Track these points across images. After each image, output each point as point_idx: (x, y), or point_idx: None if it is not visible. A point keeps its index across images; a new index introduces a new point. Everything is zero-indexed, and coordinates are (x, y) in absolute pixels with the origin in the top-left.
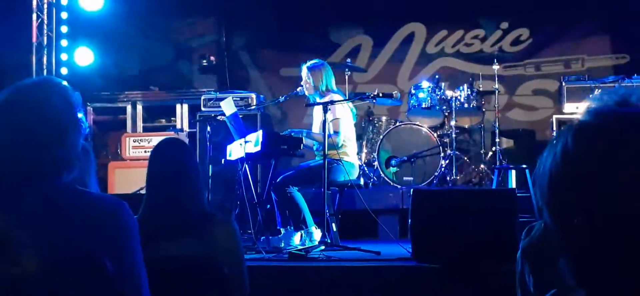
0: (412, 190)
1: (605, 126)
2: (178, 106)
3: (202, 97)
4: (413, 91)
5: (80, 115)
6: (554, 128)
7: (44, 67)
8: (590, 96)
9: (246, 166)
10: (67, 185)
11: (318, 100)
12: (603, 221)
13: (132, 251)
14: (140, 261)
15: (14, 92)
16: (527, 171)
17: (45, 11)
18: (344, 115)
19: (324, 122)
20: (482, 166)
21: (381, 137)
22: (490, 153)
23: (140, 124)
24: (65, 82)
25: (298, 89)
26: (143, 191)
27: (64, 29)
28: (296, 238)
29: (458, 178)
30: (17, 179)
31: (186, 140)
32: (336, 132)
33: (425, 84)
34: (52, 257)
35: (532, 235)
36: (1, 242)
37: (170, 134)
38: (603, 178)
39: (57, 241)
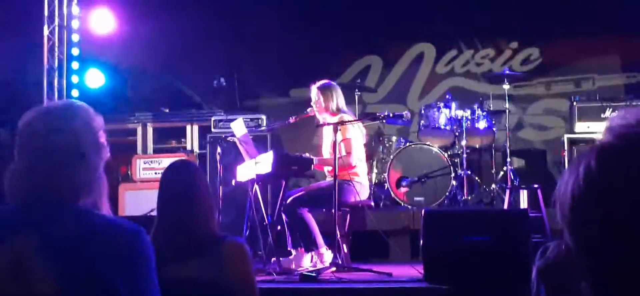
0: (423, 211)
1: (629, 148)
2: (188, 128)
3: (212, 119)
4: (423, 111)
5: (102, 139)
6: (566, 147)
7: (56, 89)
8: (611, 114)
9: (256, 187)
10: (85, 209)
11: (328, 120)
12: (627, 244)
13: (148, 277)
14: (155, 288)
15: (36, 115)
16: (539, 190)
17: (56, 34)
18: (355, 135)
19: (335, 142)
20: (493, 186)
21: (391, 157)
22: (502, 173)
23: (150, 146)
24: (87, 106)
25: (308, 110)
26: (153, 213)
27: (75, 51)
28: (307, 260)
29: (469, 198)
30: (37, 201)
31: (197, 162)
32: (348, 153)
33: (435, 104)
34: (68, 280)
35: (547, 256)
36: (18, 264)
37: (181, 155)
38: (627, 201)
39: (74, 264)
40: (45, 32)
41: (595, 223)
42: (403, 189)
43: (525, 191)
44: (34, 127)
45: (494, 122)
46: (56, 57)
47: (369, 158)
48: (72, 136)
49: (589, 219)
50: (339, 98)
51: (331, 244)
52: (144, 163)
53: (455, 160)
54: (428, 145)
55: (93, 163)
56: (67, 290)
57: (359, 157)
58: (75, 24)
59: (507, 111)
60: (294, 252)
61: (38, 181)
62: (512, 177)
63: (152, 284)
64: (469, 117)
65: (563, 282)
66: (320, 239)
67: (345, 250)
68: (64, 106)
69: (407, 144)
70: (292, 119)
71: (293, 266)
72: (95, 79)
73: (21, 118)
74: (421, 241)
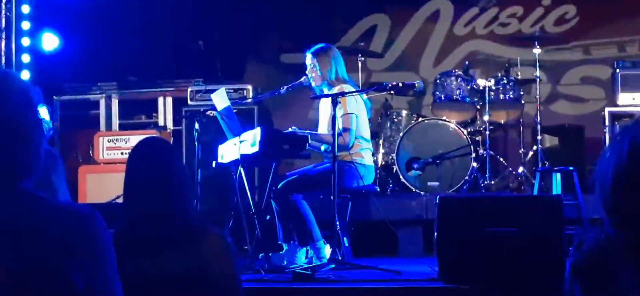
0: (438, 198)
1: None
2: (160, 100)
3: (189, 89)
4: (439, 80)
5: (42, 113)
6: (607, 123)
7: (2, 53)
8: None
9: (241, 169)
10: (29, 193)
11: (326, 91)
12: None
13: (105, 266)
14: (115, 278)
15: None
16: (574, 173)
17: None
18: (357, 109)
19: (334, 117)
20: (521, 168)
21: (401, 135)
22: (531, 153)
23: (116, 121)
24: (24, 75)
25: (302, 79)
26: (120, 201)
27: (26, 8)
28: (301, 255)
29: (492, 182)
30: None
31: (170, 140)
32: (346, 129)
33: (453, 72)
34: (12, 274)
35: (583, 249)
36: None
37: (152, 132)
38: None
39: (18, 256)
40: None
41: None
42: (414, 173)
43: (558, 175)
44: None
45: (522, 93)
46: (3, 16)
47: (375, 135)
48: (10, 111)
49: (634, 200)
50: (338, 65)
51: (330, 237)
52: (108, 142)
53: (477, 138)
54: (444, 120)
55: (34, 141)
56: (11, 284)
57: (362, 135)
58: None
59: (537, 79)
60: (285, 246)
61: None
62: (543, 158)
63: (111, 273)
64: (493, 87)
65: (601, 279)
66: (316, 232)
67: (346, 244)
68: None
69: (420, 119)
70: (283, 90)
71: (285, 262)
72: (50, 42)
73: None
74: (435, 234)
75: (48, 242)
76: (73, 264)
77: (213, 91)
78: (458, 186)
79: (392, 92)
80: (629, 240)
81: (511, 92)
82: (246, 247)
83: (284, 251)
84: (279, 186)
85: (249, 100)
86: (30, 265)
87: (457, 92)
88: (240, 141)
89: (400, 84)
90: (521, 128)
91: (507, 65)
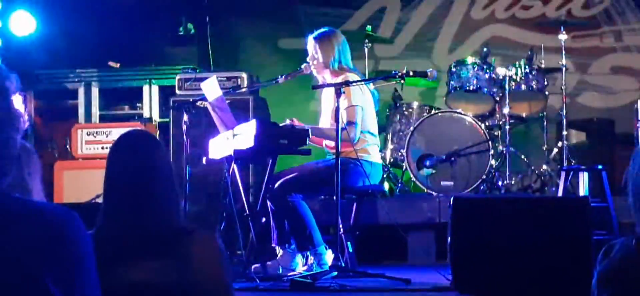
0: (452, 199)
1: None
2: (145, 88)
3: (177, 77)
4: (454, 69)
5: (16, 104)
6: None
7: None
8: None
9: (234, 166)
10: (1, 192)
11: (329, 81)
12: None
13: (84, 273)
14: (95, 286)
15: None
16: (604, 173)
17: None
18: (363, 101)
19: (337, 109)
20: (544, 166)
21: (412, 129)
22: (556, 150)
23: (96, 112)
24: None
25: (302, 67)
26: (100, 200)
27: None
28: (300, 262)
29: (513, 182)
30: None
31: (156, 133)
32: (351, 123)
33: (470, 60)
34: None
35: (612, 257)
36: None
37: (136, 125)
38: None
39: None
40: None
41: None
42: (426, 171)
43: (585, 174)
44: None
45: (546, 83)
46: None
47: (383, 130)
48: None
49: None
50: (343, 52)
51: (332, 242)
52: (88, 135)
53: (495, 133)
54: (460, 113)
55: (6, 137)
56: None
57: (368, 129)
58: None
59: (563, 69)
60: (282, 252)
61: None
62: (569, 155)
63: (90, 281)
64: (514, 76)
65: (632, 289)
66: (317, 236)
67: (350, 250)
68: None
69: (433, 112)
70: (281, 79)
71: (281, 270)
72: (24, 24)
73: None
74: (449, 239)
75: (21, 246)
76: (48, 270)
77: (204, 79)
78: (474, 185)
79: (402, 81)
80: None
81: (534, 83)
82: (239, 252)
83: (280, 257)
84: (275, 185)
85: (244, 90)
86: (1, 271)
87: (474, 82)
88: (234, 135)
89: (411, 73)
90: (545, 122)
91: (529, 52)
